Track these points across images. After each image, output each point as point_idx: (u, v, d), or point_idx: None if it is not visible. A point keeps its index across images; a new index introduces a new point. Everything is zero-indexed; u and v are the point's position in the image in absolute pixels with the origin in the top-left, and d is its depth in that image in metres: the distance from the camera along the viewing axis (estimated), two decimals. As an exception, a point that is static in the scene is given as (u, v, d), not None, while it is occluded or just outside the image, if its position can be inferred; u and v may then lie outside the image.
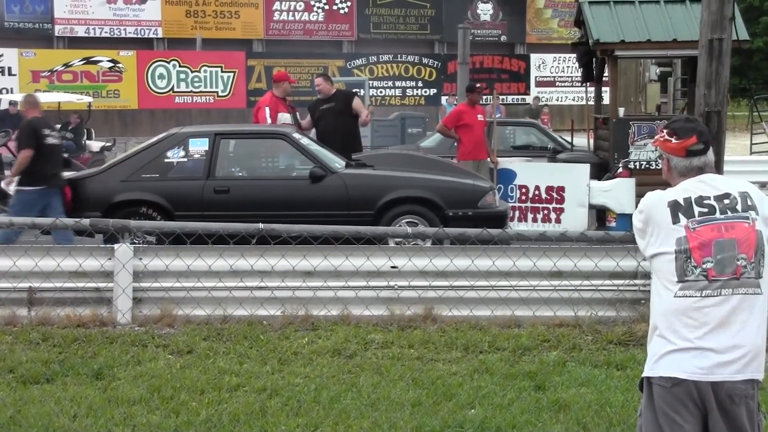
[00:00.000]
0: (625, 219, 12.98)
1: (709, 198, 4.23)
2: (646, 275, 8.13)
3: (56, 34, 37.35)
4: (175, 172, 11.92)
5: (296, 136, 12.35)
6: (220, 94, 36.70)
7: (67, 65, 35.09)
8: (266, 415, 6.54)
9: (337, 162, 12.16)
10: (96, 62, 35.03)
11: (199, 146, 11.94)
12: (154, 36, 38.13)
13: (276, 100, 13.91)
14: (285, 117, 13.74)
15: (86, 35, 37.48)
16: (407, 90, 40.50)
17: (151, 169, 11.85)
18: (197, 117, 34.88)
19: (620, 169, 14.88)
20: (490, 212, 11.91)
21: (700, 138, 4.36)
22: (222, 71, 36.83)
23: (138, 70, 35.44)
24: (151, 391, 6.99)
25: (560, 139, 20.19)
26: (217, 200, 11.66)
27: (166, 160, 11.93)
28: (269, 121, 13.54)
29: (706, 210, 4.20)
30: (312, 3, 40.53)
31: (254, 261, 8.79)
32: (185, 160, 11.95)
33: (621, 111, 17.24)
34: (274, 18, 40.01)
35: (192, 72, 36.22)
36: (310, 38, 40.79)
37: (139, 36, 37.93)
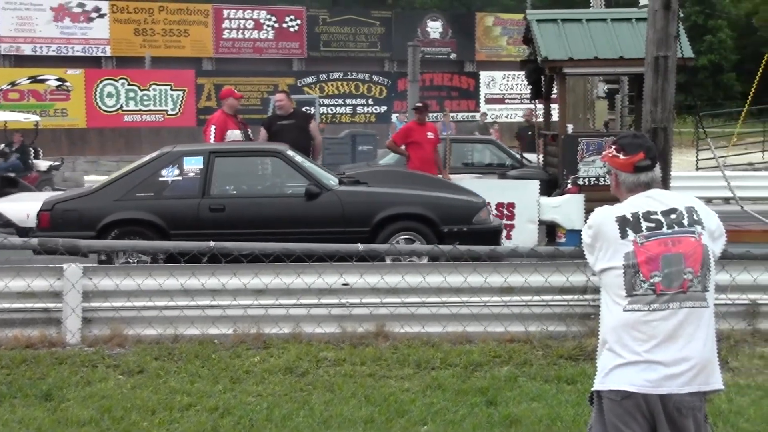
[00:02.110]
0: (575, 235, 13.06)
1: (656, 213, 4.28)
2: (596, 290, 8.20)
3: (2, 53, 37.02)
4: (169, 191, 11.80)
5: (290, 153, 12.31)
6: (170, 112, 36.49)
7: (13, 84, 34.75)
8: (218, 434, 6.52)
9: (331, 179, 12.17)
10: (43, 81, 34.69)
11: (193, 164, 11.84)
12: (103, 54, 37.92)
13: (225, 118, 13.88)
14: (235, 134, 13.72)
15: (33, 53, 37.20)
16: (358, 108, 40.51)
17: (146, 188, 11.74)
18: (147, 135, 34.64)
19: (569, 185, 15.00)
20: (485, 228, 11.95)
21: (648, 154, 4.41)
22: (171, 89, 36.62)
23: (86, 89, 35.13)
24: (101, 411, 6.93)
25: (518, 156, 20.29)
26: (212, 219, 11.59)
27: (160, 179, 11.81)
28: (213, 139, 13.52)
29: (653, 225, 4.25)
30: (262, 21, 40.51)
31: (205, 279, 8.76)
32: (180, 178, 11.82)
33: (570, 127, 17.33)
34: (224, 36, 39.95)
35: (141, 90, 35.98)
36: (260, 56, 40.76)
37: (87, 54, 37.69)
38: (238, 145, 13.21)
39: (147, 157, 12.49)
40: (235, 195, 12.02)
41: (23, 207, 11.94)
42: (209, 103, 35.46)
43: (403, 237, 11.69)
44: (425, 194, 12.16)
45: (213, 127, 13.70)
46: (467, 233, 11.53)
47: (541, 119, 19.01)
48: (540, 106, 18.93)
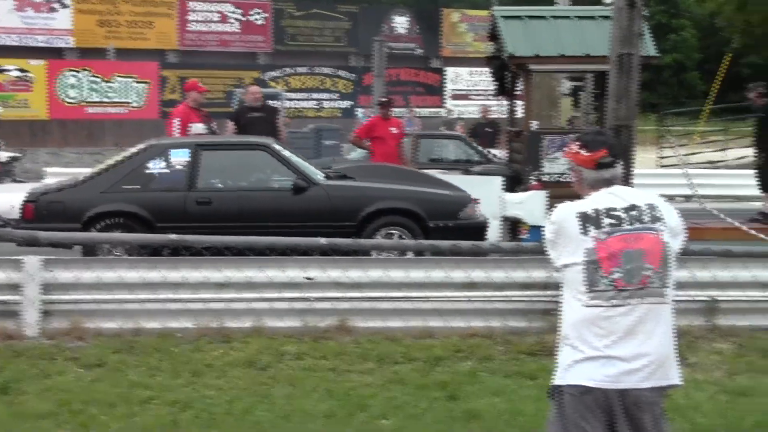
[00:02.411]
0: (538, 231, 13.08)
1: (617, 209, 4.30)
2: (557, 286, 8.22)
3: (-37, 43, 36.68)
4: (156, 184, 11.74)
5: (277, 147, 12.29)
6: (134, 104, 36.28)
7: (-26, 74, 34.47)
8: (178, 428, 6.50)
9: (318, 174, 12.14)
10: (4, 71, 34.38)
11: (180, 157, 11.79)
12: (65, 45, 37.56)
13: (188, 111, 13.82)
14: (198, 127, 13.65)
15: (-6, 43, 36.87)
16: (323, 102, 40.49)
17: (132, 180, 11.67)
18: (110, 128, 34.43)
19: (533, 182, 15.05)
20: (471, 223, 11.93)
21: (611, 151, 4.43)
22: (135, 82, 36.41)
23: (48, 80, 34.84)
24: (59, 405, 6.88)
25: (485, 152, 20.31)
26: (199, 212, 11.53)
27: (146, 171, 11.74)
28: (177, 132, 13.46)
29: (614, 221, 4.26)
30: (227, 14, 40.32)
31: (167, 273, 8.71)
32: (166, 171, 11.75)
33: (534, 124, 17.38)
34: (189, 29, 39.72)
35: (104, 82, 35.73)
36: (226, 49, 40.56)
37: (50, 45, 37.32)
38: (225, 138, 13.18)
39: (133, 149, 12.41)
40: (222, 188, 11.95)
41: (8, 198, 11.82)
42: (173, 95, 35.27)
43: (389, 231, 11.68)
44: (412, 189, 12.16)
45: (176, 120, 13.64)
46: (454, 228, 11.51)
47: (506, 116, 19.04)
48: (505, 103, 18.97)
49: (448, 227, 11.58)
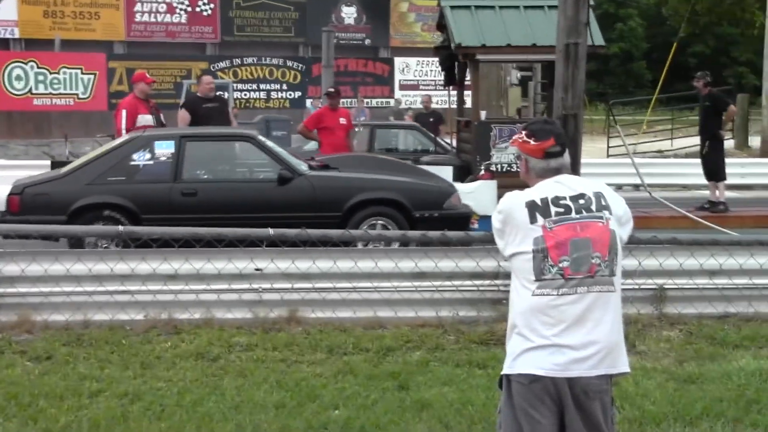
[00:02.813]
0: (488, 220, 13.06)
1: (565, 198, 4.32)
2: (507, 275, 8.25)
3: None
4: (141, 175, 11.68)
5: (261, 138, 12.28)
6: (81, 96, 35.96)
7: None
8: (128, 420, 6.45)
9: (302, 164, 12.11)
10: (-52, 63, 33.98)
11: (165, 149, 11.73)
12: (11, 36, 37.13)
13: (136, 102, 13.74)
14: (146, 119, 13.58)
15: (-62, 35, 36.35)
16: (272, 93, 40.36)
17: (117, 172, 11.59)
18: (57, 119, 34.10)
19: (482, 172, 15.10)
20: (455, 213, 11.95)
21: (558, 140, 4.45)
22: (82, 73, 36.08)
23: (-7, 72, 34.47)
24: (7, 398, 6.81)
25: (442, 142, 20.34)
26: (184, 203, 11.46)
27: (131, 163, 11.68)
28: (124, 123, 13.38)
29: (562, 210, 4.29)
30: (174, 5, 40.03)
31: (114, 264, 8.63)
32: (151, 162, 11.70)
33: (483, 114, 17.43)
34: (136, 19, 39.40)
35: (51, 74, 35.38)
36: (173, 40, 40.29)
37: (-5, 36, 36.90)
38: (210, 130, 13.12)
39: (117, 141, 12.33)
40: (207, 179, 11.92)
41: None
42: (121, 87, 35.04)
43: (374, 222, 11.67)
44: (397, 180, 12.16)
45: (124, 112, 13.57)
46: (438, 218, 11.52)
47: (455, 105, 19.09)
48: (454, 93, 19.01)
49: (433, 217, 11.61)
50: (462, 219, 11.97)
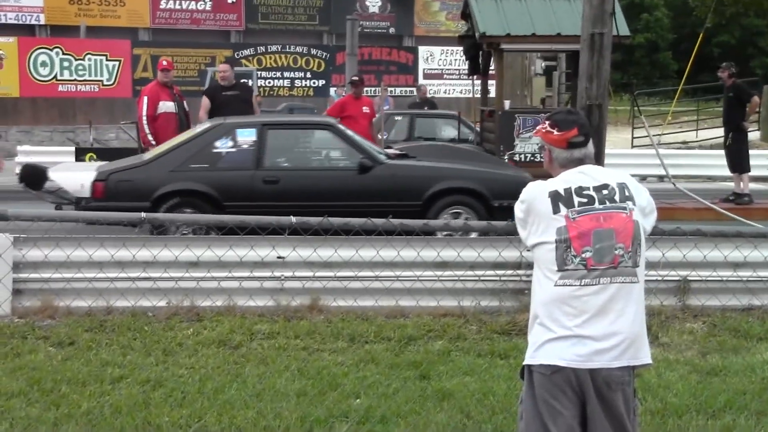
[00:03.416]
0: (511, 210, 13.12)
1: (588, 188, 4.30)
2: (529, 265, 8.24)
3: (-68, 19, 36.27)
4: (223, 163, 11.82)
5: (341, 127, 12.39)
6: (105, 82, 36.01)
7: (-56, 51, 34.11)
8: (149, 407, 6.47)
9: (382, 153, 12.17)
10: (-25, 49, 34.09)
11: (247, 137, 11.87)
12: (36, 23, 37.20)
13: (158, 89, 13.80)
14: (167, 105, 13.64)
15: (-36, 21, 36.50)
16: (296, 81, 40.29)
17: (200, 159, 11.73)
18: (81, 106, 34.19)
19: (506, 161, 15.06)
20: None
21: (581, 130, 4.43)
22: (107, 60, 36.12)
23: (19, 58, 34.51)
24: (30, 383, 6.84)
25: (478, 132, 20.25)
26: (266, 190, 11.61)
27: (214, 150, 11.82)
28: (145, 110, 13.43)
29: (585, 200, 4.27)
30: (199, -8, 40.04)
31: (136, 251, 8.65)
32: (234, 150, 11.85)
33: (507, 104, 17.43)
34: (161, 6, 39.42)
35: (76, 60, 35.44)
36: (198, 27, 40.28)
37: (20, 22, 36.97)
38: (291, 118, 13.22)
39: (199, 129, 12.42)
40: (289, 167, 12.01)
41: (78, 177, 11.78)
42: (146, 74, 35.05)
43: (454, 211, 11.68)
44: (476, 169, 12.14)
45: (145, 98, 13.65)
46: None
47: (479, 95, 19.04)
48: (478, 82, 18.97)
49: (511, 207, 11.57)
50: None
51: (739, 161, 16.73)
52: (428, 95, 25.93)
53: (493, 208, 11.66)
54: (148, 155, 12.40)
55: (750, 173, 16.97)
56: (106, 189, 11.47)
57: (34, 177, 11.99)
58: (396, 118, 21.05)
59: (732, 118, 16.79)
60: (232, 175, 11.70)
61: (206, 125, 12.37)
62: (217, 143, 11.83)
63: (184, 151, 11.82)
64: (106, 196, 11.41)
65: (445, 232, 10.08)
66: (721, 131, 19.59)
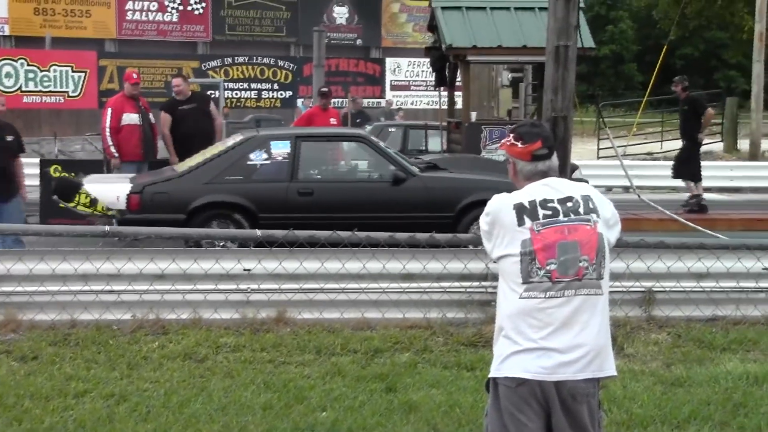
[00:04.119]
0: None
1: (553, 201, 4.31)
2: (495, 277, 8.23)
3: None
4: (258, 175, 11.83)
5: (374, 139, 12.45)
6: (71, 94, 35.82)
7: None
8: (113, 422, 6.42)
9: (414, 165, 12.15)
10: (-62, 60, 33.84)
11: (281, 149, 11.87)
12: (1, 33, 37.01)
13: (123, 101, 13.73)
14: (132, 117, 13.55)
15: (-72, 32, 36.20)
16: (263, 92, 40.26)
17: (235, 172, 11.74)
18: (47, 117, 34.00)
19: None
20: None
21: (545, 143, 4.44)
22: (72, 71, 35.93)
23: (-17, 69, 34.35)
24: (-7, 398, 6.78)
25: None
26: (301, 202, 11.60)
27: (248, 163, 11.83)
28: (108, 122, 13.36)
29: (550, 213, 4.28)
30: (166, 3, 39.91)
31: (100, 264, 8.57)
32: (268, 162, 11.85)
33: (473, 115, 17.49)
34: (127, 18, 39.28)
35: (41, 71, 35.23)
36: (164, 39, 40.19)
37: (-15, 34, 36.78)
38: (324, 130, 13.21)
39: (232, 141, 12.41)
40: (323, 179, 12.07)
41: (113, 189, 11.73)
42: (111, 85, 34.93)
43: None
44: (507, 180, 12.07)
45: (109, 110, 13.59)
46: None
47: (445, 106, 19.07)
48: (444, 93, 19.00)
49: None
50: None
51: (688, 169, 16.96)
52: (360, 107, 25.85)
53: None
54: (180, 167, 12.38)
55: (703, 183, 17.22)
56: (141, 201, 11.47)
57: (67, 190, 12.05)
58: (390, 129, 21.07)
59: (687, 130, 17.02)
60: (267, 187, 11.72)
61: (239, 137, 12.40)
62: (252, 155, 11.86)
63: (219, 164, 11.83)
64: (142, 208, 11.43)
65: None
66: (683, 142, 19.67)
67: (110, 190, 11.71)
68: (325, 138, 12.82)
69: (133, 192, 11.51)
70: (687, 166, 16.98)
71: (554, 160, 4.48)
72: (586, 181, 12.11)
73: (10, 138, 11.33)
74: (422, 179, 11.85)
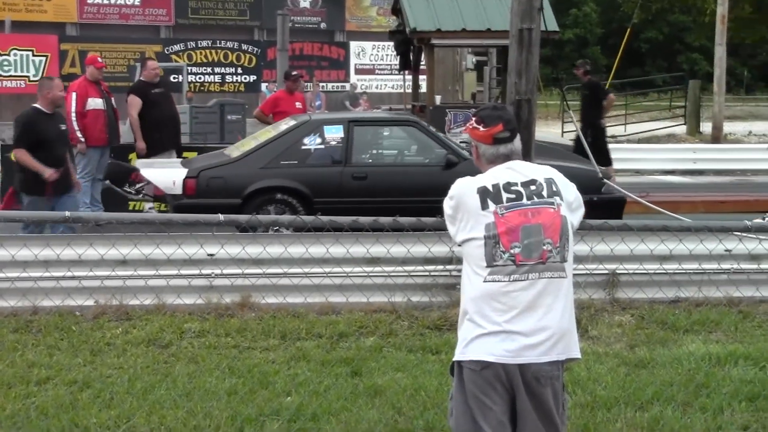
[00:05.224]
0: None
1: (516, 184, 4.32)
2: (460, 261, 8.24)
3: None
4: (312, 159, 11.88)
5: (425, 123, 12.53)
6: (32, 78, 35.41)
7: None
8: (77, 408, 6.37)
9: (464, 149, 12.08)
10: None
11: (334, 133, 11.93)
12: (-40, 17, 36.62)
13: (86, 85, 13.61)
14: (96, 102, 13.45)
15: None
16: (226, 76, 40.01)
17: (289, 156, 11.80)
18: (7, 102, 33.64)
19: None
20: (612, 198, 12.12)
21: (507, 126, 4.44)
22: (33, 55, 35.57)
23: (-58, 53, 33.97)
24: (-47, 386, 6.72)
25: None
26: (355, 186, 11.70)
27: (303, 147, 11.87)
28: (74, 107, 13.24)
29: (513, 196, 4.28)
30: (128, -14, 39.58)
31: (61, 250, 8.48)
32: (322, 146, 11.90)
33: (438, 99, 17.49)
34: (88, 1, 38.90)
35: (1, 56, 34.90)
36: (127, 23, 39.86)
37: (-57, 17, 36.35)
38: (376, 114, 13.21)
39: (284, 126, 12.42)
40: (376, 164, 12.16)
41: (169, 173, 11.77)
42: (73, 69, 34.60)
43: None
44: (556, 164, 12.01)
45: (74, 95, 13.43)
46: (597, 203, 11.34)
47: (410, 90, 19.06)
48: (409, 77, 18.99)
49: (592, 201, 11.52)
50: (618, 203, 12.16)
51: (597, 156, 16.94)
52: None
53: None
54: (232, 152, 12.39)
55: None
56: (197, 186, 11.53)
57: (119, 175, 12.23)
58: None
59: (587, 115, 16.96)
60: (321, 172, 11.82)
61: (292, 122, 12.45)
62: (306, 140, 11.91)
63: (273, 148, 11.89)
64: (198, 193, 11.49)
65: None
66: (648, 125, 19.84)
67: (166, 174, 11.81)
68: (377, 123, 12.91)
69: (189, 176, 11.59)
70: (598, 152, 16.88)
71: (517, 143, 4.48)
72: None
73: (63, 127, 11.23)
74: (473, 163, 11.80)
